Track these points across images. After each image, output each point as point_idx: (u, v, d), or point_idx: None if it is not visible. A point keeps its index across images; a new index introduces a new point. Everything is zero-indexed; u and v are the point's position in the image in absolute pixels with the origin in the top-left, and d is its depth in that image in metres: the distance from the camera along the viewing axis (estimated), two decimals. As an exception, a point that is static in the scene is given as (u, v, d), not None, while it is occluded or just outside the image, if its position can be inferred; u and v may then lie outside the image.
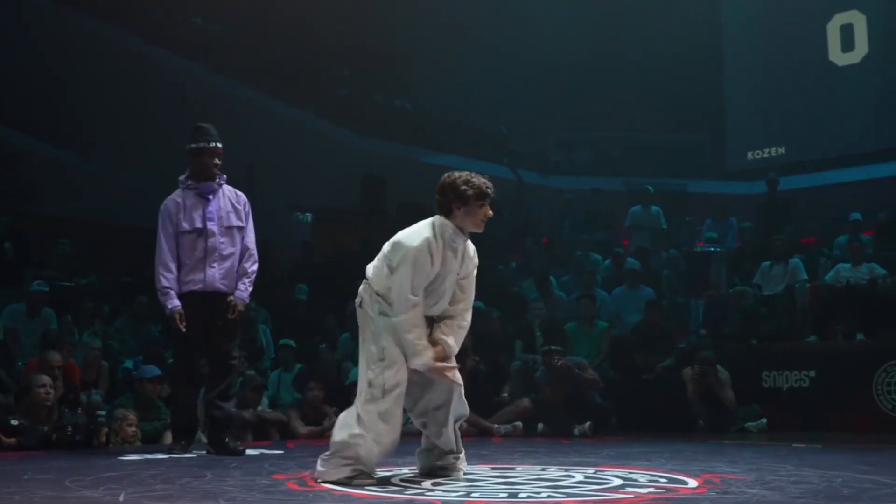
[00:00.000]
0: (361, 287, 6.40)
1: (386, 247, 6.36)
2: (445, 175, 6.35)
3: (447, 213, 6.27)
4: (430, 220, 6.32)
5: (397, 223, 6.74)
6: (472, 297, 6.52)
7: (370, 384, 6.15)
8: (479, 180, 6.26)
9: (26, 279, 13.60)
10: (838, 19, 20.32)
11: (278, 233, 20.01)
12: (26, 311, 12.45)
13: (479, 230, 6.35)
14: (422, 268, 6.10)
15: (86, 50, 19.20)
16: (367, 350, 6.27)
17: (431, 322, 6.38)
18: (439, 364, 6.13)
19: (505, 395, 12.69)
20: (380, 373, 6.11)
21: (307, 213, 21.49)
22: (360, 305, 6.36)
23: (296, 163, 20.36)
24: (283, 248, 19.07)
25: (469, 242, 6.43)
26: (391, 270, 6.20)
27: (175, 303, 8.30)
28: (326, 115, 23.19)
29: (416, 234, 6.22)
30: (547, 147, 26.01)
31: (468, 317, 6.46)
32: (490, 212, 6.32)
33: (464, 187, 6.20)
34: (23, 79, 18.36)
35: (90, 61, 19.03)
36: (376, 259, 6.41)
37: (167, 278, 8.33)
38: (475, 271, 6.50)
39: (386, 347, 6.14)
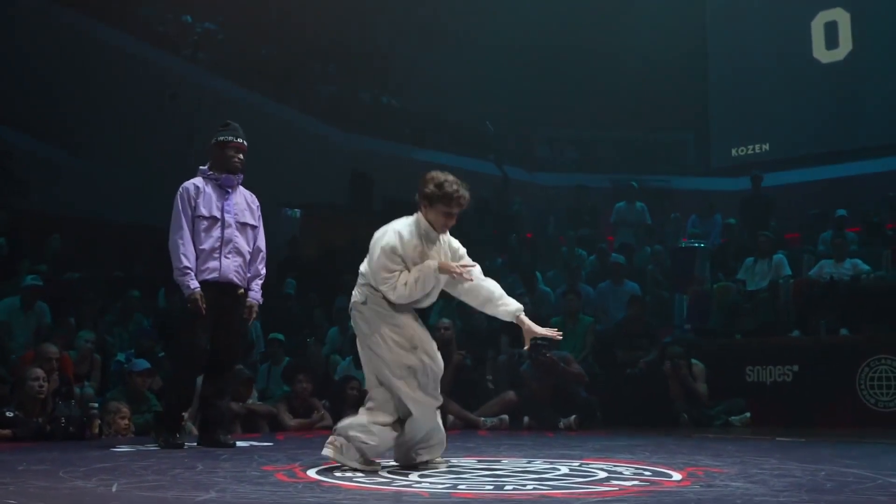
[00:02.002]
0: (358, 288, 6.55)
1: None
2: (427, 172, 6.50)
3: (419, 208, 6.48)
4: (413, 215, 6.53)
5: (383, 219, 6.83)
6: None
7: (414, 372, 6.33)
8: (451, 187, 6.36)
9: (20, 274, 13.62)
10: (822, 17, 20.39)
11: (267, 228, 19.97)
12: (20, 306, 12.49)
13: (441, 233, 6.51)
14: (392, 253, 6.28)
15: (76, 48, 19.17)
16: (389, 344, 6.40)
17: (420, 313, 6.59)
18: (446, 263, 6.36)
19: (489, 379, 12.74)
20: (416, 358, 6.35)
21: (296, 209, 21.50)
22: (366, 303, 6.48)
23: (284, 160, 20.33)
24: (272, 243, 19.04)
25: (451, 238, 6.66)
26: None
27: (196, 284, 8.21)
28: (314, 113, 23.19)
29: (389, 227, 6.44)
30: (532, 144, 26.03)
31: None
32: (452, 222, 6.48)
33: (430, 188, 6.36)
34: (15, 76, 18.34)
35: (81, 59, 19.01)
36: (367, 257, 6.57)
37: (188, 258, 8.24)
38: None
39: (402, 329, 6.37)
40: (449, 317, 12.79)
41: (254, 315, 8.75)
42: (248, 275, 8.64)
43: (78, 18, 20.05)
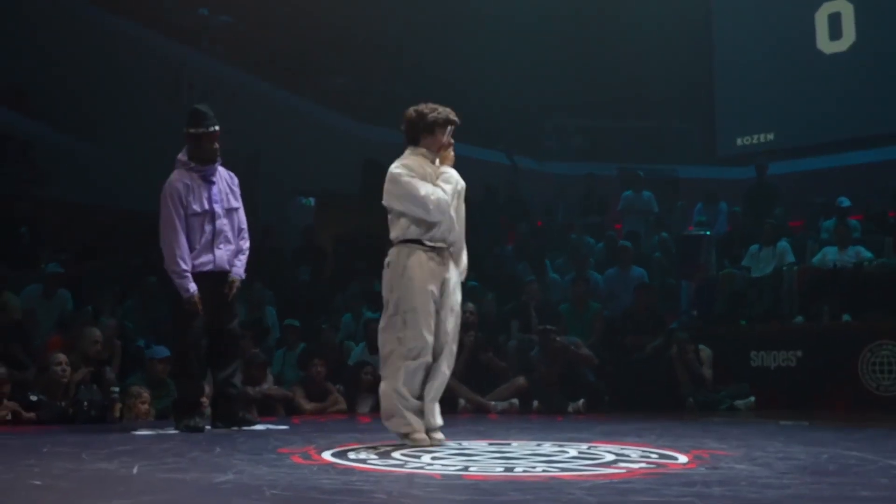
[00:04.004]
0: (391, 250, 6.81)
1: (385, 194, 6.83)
2: (410, 109, 6.88)
3: (415, 143, 6.81)
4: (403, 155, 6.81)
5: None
6: (464, 225, 6.92)
7: (400, 342, 6.61)
8: (443, 109, 6.81)
9: (42, 261, 13.67)
10: (826, 8, 20.30)
11: (282, 217, 20.05)
12: (43, 292, 12.55)
13: (447, 160, 6.88)
14: (409, 172, 6.69)
15: (96, 40, 19.22)
16: (391, 309, 6.71)
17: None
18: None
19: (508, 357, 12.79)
20: (405, 334, 6.59)
21: (310, 198, 21.52)
22: (388, 266, 6.78)
23: (298, 149, 20.39)
24: (287, 231, 19.12)
25: (451, 170, 6.87)
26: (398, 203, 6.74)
27: (194, 287, 8.27)
28: (327, 103, 23.21)
29: (394, 165, 6.81)
30: (541, 133, 25.99)
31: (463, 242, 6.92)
32: (451, 140, 6.82)
33: (432, 115, 6.76)
34: (37, 69, 18.42)
35: (101, 51, 19.06)
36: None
37: (185, 261, 8.28)
38: (462, 196, 6.89)
39: (407, 311, 6.60)
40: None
41: (234, 290, 8.73)
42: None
43: (97, 11, 20.08)
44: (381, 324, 6.80)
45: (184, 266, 8.28)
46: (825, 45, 20.33)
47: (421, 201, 6.57)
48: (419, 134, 6.73)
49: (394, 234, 6.75)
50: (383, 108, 23.62)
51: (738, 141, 21.52)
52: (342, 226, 19.49)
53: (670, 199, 20.01)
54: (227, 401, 8.68)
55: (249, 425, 8.60)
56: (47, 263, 13.17)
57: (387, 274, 6.77)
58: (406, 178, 6.61)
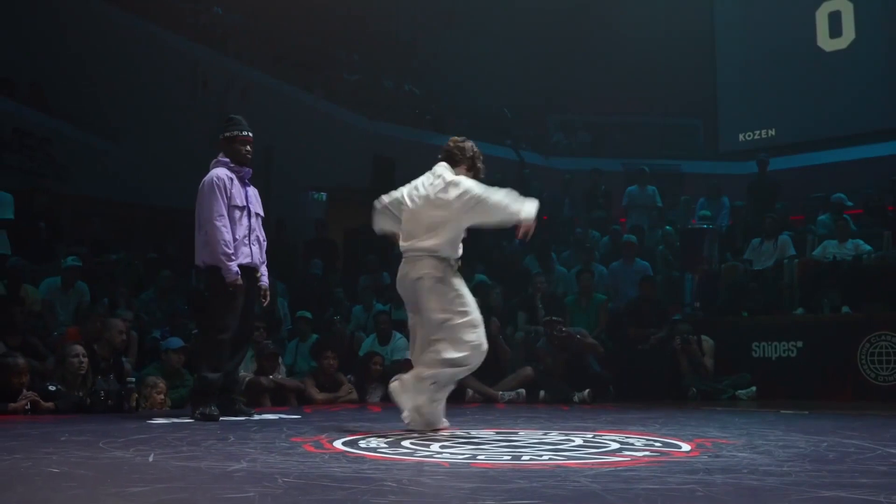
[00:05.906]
0: (427, 267, 6.98)
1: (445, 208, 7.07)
2: (469, 142, 7.42)
3: (453, 164, 7.24)
4: (440, 165, 7.27)
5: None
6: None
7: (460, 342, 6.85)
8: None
9: (59, 256, 13.71)
10: (826, 7, 20.24)
11: (295, 211, 20.05)
12: (61, 285, 12.60)
13: None
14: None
15: (114, 39, 19.23)
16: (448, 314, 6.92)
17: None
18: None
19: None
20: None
21: (322, 193, 21.52)
22: (443, 280, 6.99)
23: (310, 145, 20.39)
24: (299, 225, 19.13)
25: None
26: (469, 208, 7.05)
27: (237, 269, 8.48)
28: (339, 100, 23.21)
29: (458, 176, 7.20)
30: (547, 129, 25.98)
31: None
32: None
33: (480, 163, 7.34)
34: (56, 68, 18.44)
35: (118, 50, 19.07)
36: (438, 234, 7.05)
37: (230, 245, 8.48)
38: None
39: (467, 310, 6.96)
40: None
41: (269, 298, 9.14)
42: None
43: (114, 10, 20.10)
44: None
45: (230, 249, 8.48)
46: (825, 42, 20.27)
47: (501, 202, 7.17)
48: (461, 163, 7.26)
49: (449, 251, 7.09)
50: (393, 105, 23.65)
51: (741, 136, 21.46)
52: (352, 220, 19.50)
53: (674, 193, 20.01)
54: (228, 392, 8.77)
55: (247, 416, 8.69)
56: (65, 257, 13.20)
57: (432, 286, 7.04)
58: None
